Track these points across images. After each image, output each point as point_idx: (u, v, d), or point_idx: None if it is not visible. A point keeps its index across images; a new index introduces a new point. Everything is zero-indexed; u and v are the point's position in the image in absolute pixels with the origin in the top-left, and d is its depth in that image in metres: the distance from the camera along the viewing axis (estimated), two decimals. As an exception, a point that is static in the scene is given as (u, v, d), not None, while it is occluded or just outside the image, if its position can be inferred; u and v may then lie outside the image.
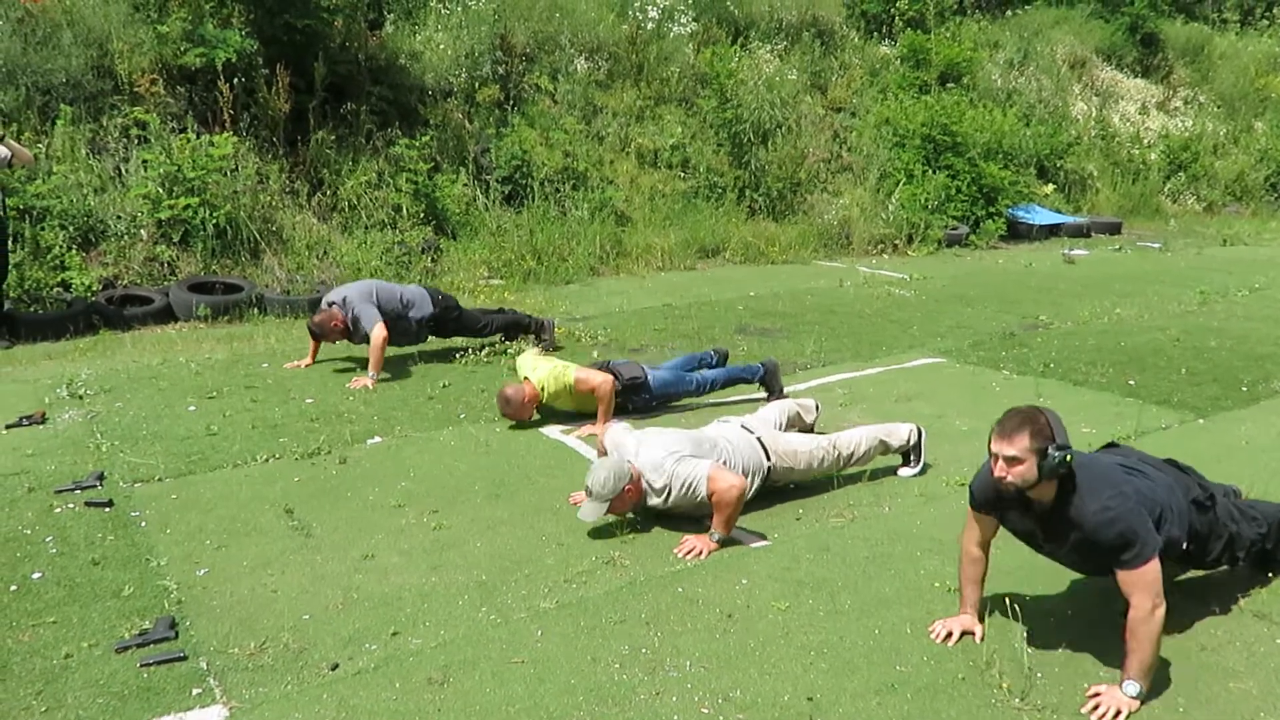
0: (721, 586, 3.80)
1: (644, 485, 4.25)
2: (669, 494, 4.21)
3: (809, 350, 7.49)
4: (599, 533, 4.28)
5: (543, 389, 5.62)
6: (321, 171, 10.35)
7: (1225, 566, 3.62)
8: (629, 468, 4.21)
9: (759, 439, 4.58)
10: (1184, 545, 3.29)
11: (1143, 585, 2.98)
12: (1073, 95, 18.85)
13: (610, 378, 5.60)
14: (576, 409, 5.80)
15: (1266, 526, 3.66)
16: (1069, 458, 3.02)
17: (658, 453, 4.27)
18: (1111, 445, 3.79)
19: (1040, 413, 3.07)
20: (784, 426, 4.95)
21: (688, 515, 4.34)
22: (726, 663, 3.27)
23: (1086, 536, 3.08)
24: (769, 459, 4.53)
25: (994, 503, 3.28)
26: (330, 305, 6.67)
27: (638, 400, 5.87)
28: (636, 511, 4.39)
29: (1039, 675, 3.19)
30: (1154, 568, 3.00)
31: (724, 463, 4.31)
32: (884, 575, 3.91)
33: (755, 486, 4.49)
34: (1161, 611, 2.97)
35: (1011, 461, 3.02)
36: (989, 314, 9.04)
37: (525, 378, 5.72)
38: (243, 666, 3.23)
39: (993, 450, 3.08)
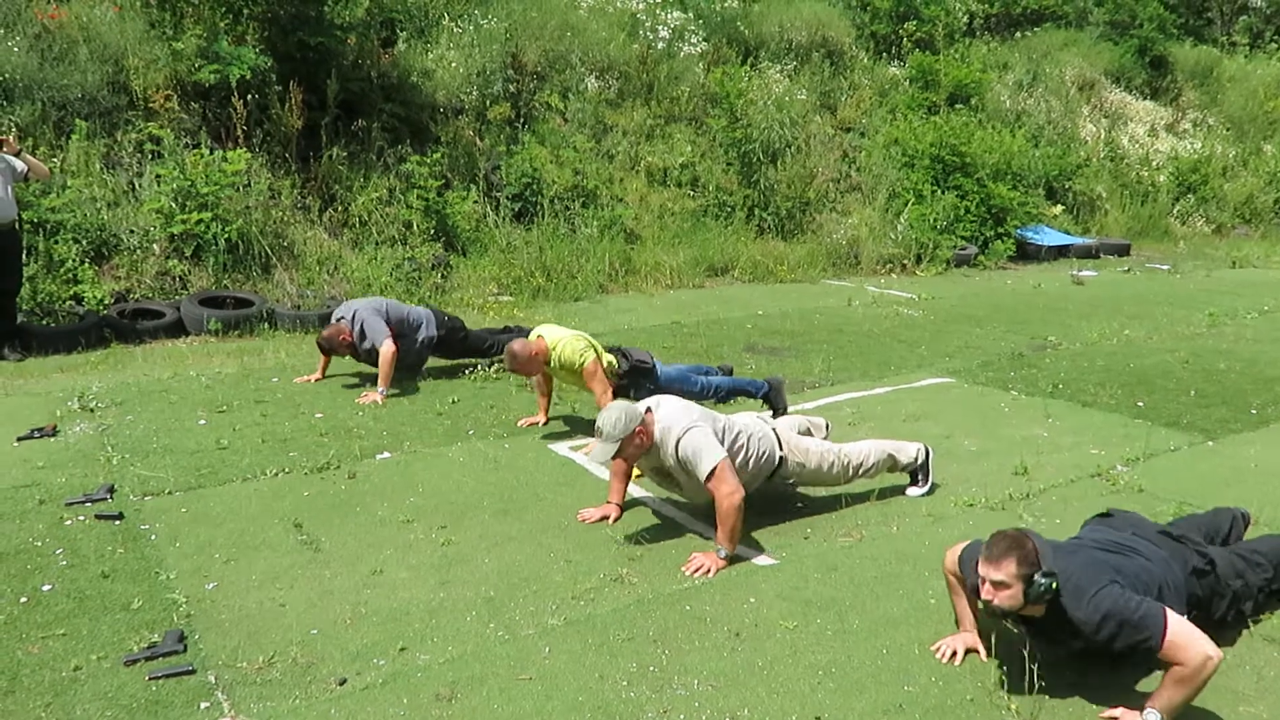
0: (729, 605, 3.80)
1: (657, 437, 4.17)
2: (677, 454, 4.13)
3: (817, 369, 7.50)
4: (607, 550, 4.28)
5: (554, 349, 5.61)
6: (333, 187, 10.42)
7: (1233, 623, 3.56)
8: (642, 414, 4.17)
9: (774, 429, 4.58)
10: (1185, 617, 3.27)
11: (1183, 646, 2.90)
12: (1082, 117, 18.88)
13: (610, 392, 5.62)
14: (574, 387, 5.87)
15: (1272, 570, 3.64)
16: (1054, 585, 3.01)
17: (676, 412, 4.22)
18: (1106, 515, 3.78)
19: (1027, 538, 3.07)
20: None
21: (691, 497, 4.33)
22: (734, 681, 3.26)
23: (1090, 643, 3.06)
24: (782, 449, 4.51)
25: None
26: (339, 320, 6.71)
27: (642, 389, 5.87)
28: (643, 530, 4.39)
29: (1048, 697, 3.18)
30: (1176, 626, 2.92)
31: (739, 443, 4.26)
32: (892, 595, 3.90)
33: (766, 474, 4.46)
34: (1214, 663, 2.87)
35: (999, 586, 3.03)
36: (997, 334, 9.04)
37: (539, 335, 5.71)
38: (251, 681, 3.24)
39: (979, 572, 3.08)
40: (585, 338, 5.76)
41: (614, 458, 4.16)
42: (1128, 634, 2.96)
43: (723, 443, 4.18)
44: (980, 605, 3.18)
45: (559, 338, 5.65)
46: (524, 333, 7.41)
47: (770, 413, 6.11)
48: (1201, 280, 12.98)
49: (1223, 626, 3.49)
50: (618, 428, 4.05)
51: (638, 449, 4.17)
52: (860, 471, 4.75)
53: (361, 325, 6.61)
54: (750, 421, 4.53)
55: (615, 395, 5.68)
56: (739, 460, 4.25)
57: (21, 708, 3.06)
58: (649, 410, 4.23)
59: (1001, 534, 3.10)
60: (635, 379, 5.87)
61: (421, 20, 13.09)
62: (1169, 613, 2.97)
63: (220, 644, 3.45)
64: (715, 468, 4.04)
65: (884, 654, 3.45)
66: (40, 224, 8.37)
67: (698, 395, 6.10)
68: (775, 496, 4.71)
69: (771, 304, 10.33)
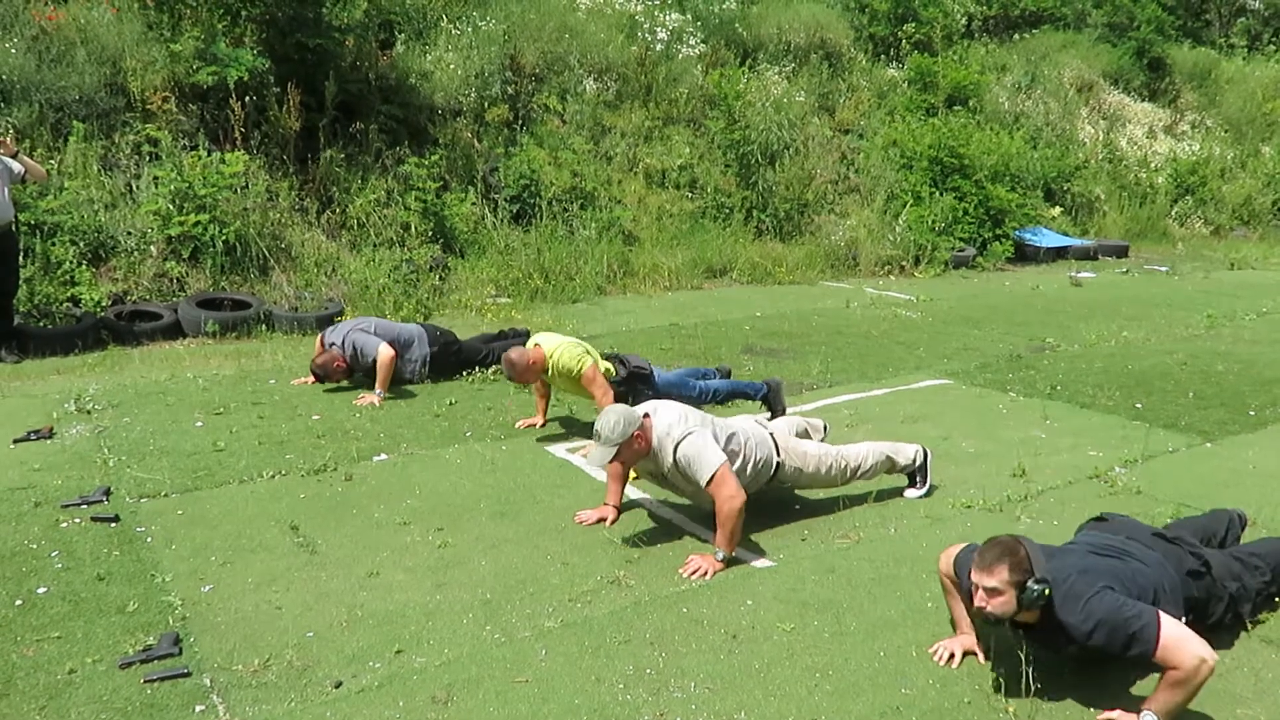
0: (726, 607, 3.79)
1: (655, 442, 4.17)
2: (675, 459, 4.13)
3: (815, 371, 7.49)
4: (604, 552, 4.27)
5: (551, 357, 5.60)
6: (331, 189, 10.41)
7: (1230, 625, 3.55)
8: (640, 418, 4.16)
9: (771, 434, 4.57)
10: (1181, 620, 3.26)
11: (1176, 650, 2.90)
12: (1080, 118, 18.89)
13: (610, 394, 5.61)
14: (573, 394, 5.85)
15: (1270, 573, 3.63)
16: (1047, 591, 3.01)
17: (674, 417, 4.21)
18: (1100, 519, 3.77)
19: (1019, 544, 3.06)
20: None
21: (690, 499, 4.33)
22: (731, 684, 3.26)
23: (1083, 648, 3.05)
24: (779, 454, 4.51)
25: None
26: (331, 347, 6.70)
27: (640, 395, 5.85)
28: (641, 532, 4.38)
29: (1045, 699, 3.17)
30: (1169, 630, 2.93)
31: (737, 448, 4.26)
32: (889, 597, 3.89)
33: (764, 479, 4.46)
34: (1209, 667, 2.88)
35: (991, 592, 3.03)
36: (996, 336, 9.04)
37: (536, 344, 5.71)
38: (246, 684, 3.23)
39: (972, 579, 3.07)
40: (582, 344, 5.76)
41: (612, 461, 4.15)
42: (1122, 639, 2.96)
43: (721, 447, 4.17)
44: (974, 612, 3.18)
45: (556, 345, 5.64)
46: (520, 336, 7.44)
47: (768, 415, 6.14)
48: (1200, 282, 12.98)
49: (1220, 629, 3.49)
50: (616, 431, 4.05)
51: (636, 453, 4.16)
52: (858, 474, 4.74)
53: (354, 346, 6.60)
54: (747, 426, 4.52)
55: (614, 401, 5.67)
56: (737, 465, 4.24)
57: (16, 711, 3.05)
58: (647, 415, 4.22)
59: (994, 541, 3.10)
60: (633, 385, 5.86)
61: (420, 22, 13.08)
62: (1163, 617, 2.96)
63: (216, 647, 3.44)
64: (716, 473, 4.04)
65: (881, 656, 3.45)
66: (37, 225, 8.36)
67: (696, 400, 6.09)
68: (773, 498, 4.71)
69: (770, 306, 10.33)
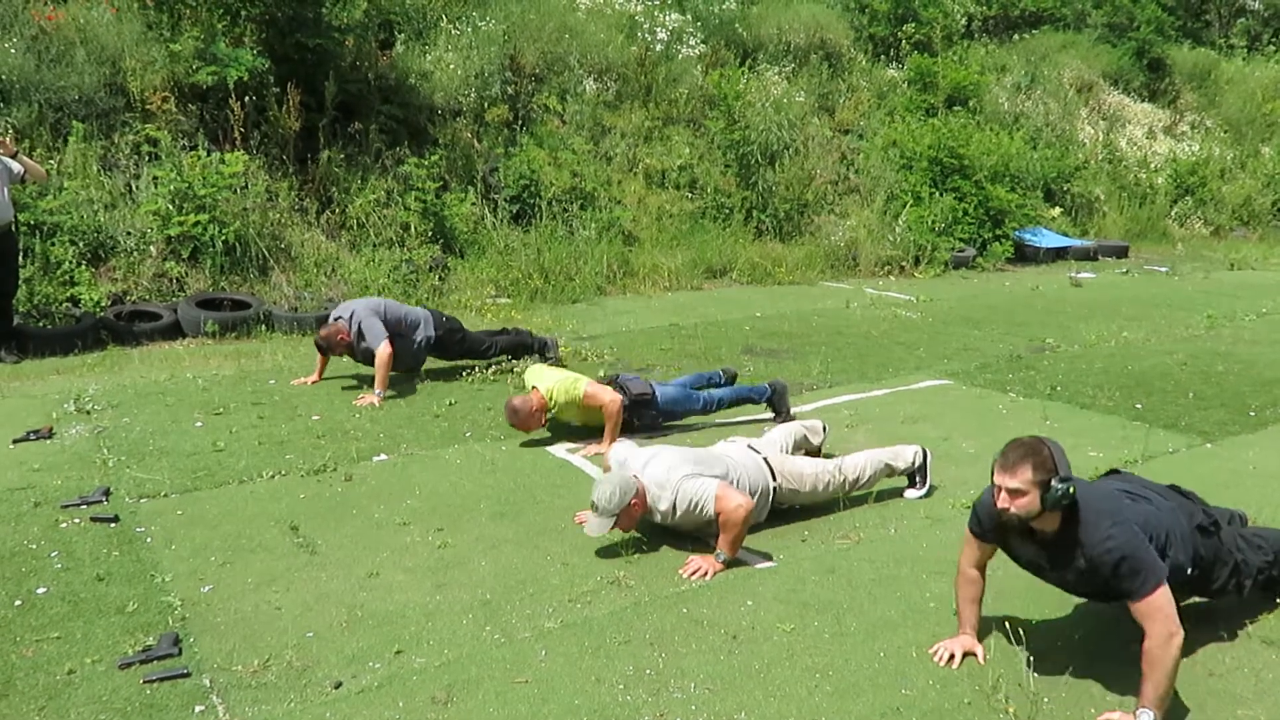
0: (726, 608, 3.79)
1: (650, 500, 4.23)
2: (674, 511, 4.19)
3: (815, 371, 7.49)
4: (604, 553, 4.27)
5: (551, 397, 5.59)
6: (330, 189, 10.40)
7: (1232, 595, 3.58)
8: (635, 482, 4.20)
9: (765, 459, 4.58)
10: (1188, 570, 3.28)
11: (1155, 613, 2.96)
12: (1080, 119, 18.88)
13: (619, 396, 5.61)
14: (583, 423, 5.80)
15: (1272, 554, 3.64)
16: (1071, 490, 3.01)
17: (665, 469, 4.25)
18: (1114, 472, 3.78)
19: (1043, 444, 3.06)
20: (790, 450, 4.94)
21: (693, 534, 4.33)
22: (731, 685, 3.25)
23: (1091, 566, 3.06)
24: (774, 479, 4.52)
25: (997, 530, 3.27)
26: (337, 320, 6.71)
27: (644, 417, 5.86)
28: (642, 529, 4.38)
29: (1045, 700, 3.17)
30: (1163, 594, 2.98)
31: (732, 481, 4.30)
32: (890, 598, 3.89)
33: (763, 507, 4.48)
34: (1179, 639, 2.94)
35: (1014, 493, 3.02)
36: (996, 336, 9.03)
37: (533, 387, 5.70)
38: (246, 684, 3.22)
39: (995, 482, 3.07)
40: (570, 374, 5.78)
41: (610, 529, 4.18)
42: (1127, 572, 2.98)
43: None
44: (997, 514, 3.16)
45: (551, 384, 5.63)
46: (521, 334, 7.47)
47: (773, 416, 6.14)
48: (1200, 282, 12.98)
49: (1222, 595, 3.52)
50: (613, 502, 4.09)
51: (633, 518, 4.21)
52: (857, 485, 4.78)
53: (359, 326, 6.60)
54: (737, 456, 4.54)
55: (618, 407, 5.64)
56: None
57: (15, 711, 3.05)
58: (636, 476, 4.26)
59: (1017, 441, 3.10)
60: (636, 411, 5.83)
61: (419, 22, 13.07)
62: (1164, 580, 3.00)
63: (216, 647, 3.44)
64: (717, 494, 4.08)
65: (881, 657, 3.44)
66: (37, 226, 8.36)
67: (701, 411, 6.08)
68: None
69: (770, 306, 10.32)
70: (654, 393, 5.87)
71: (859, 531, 4.53)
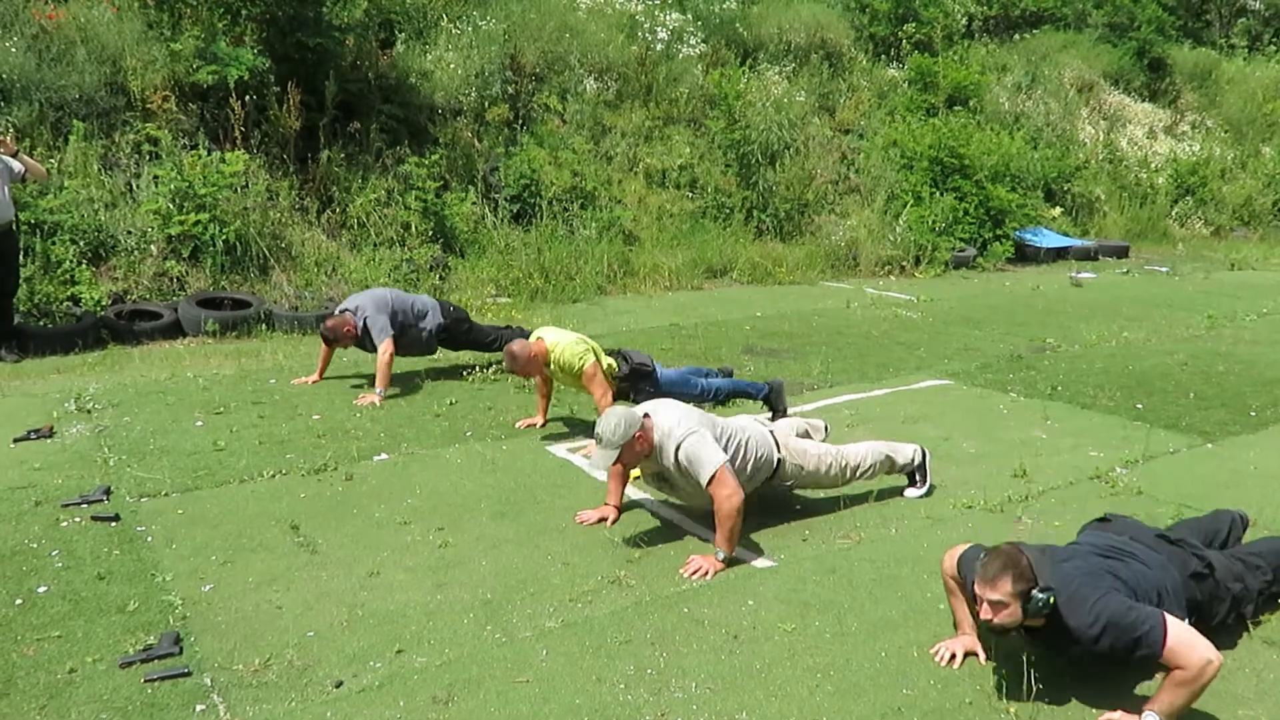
0: (727, 607, 3.79)
1: (656, 442, 4.17)
2: (673, 460, 4.14)
3: (815, 371, 7.49)
4: (605, 552, 4.27)
5: (553, 352, 5.61)
6: (331, 189, 10.40)
7: (1234, 625, 3.55)
8: (641, 418, 4.17)
9: (772, 431, 4.58)
10: (1185, 621, 3.26)
11: (1183, 651, 2.90)
12: (1080, 119, 18.88)
13: (610, 396, 5.62)
14: (574, 388, 5.91)
15: (1272, 573, 3.63)
16: (1052, 599, 3.00)
17: (675, 419, 4.21)
18: (1104, 519, 3.77)
19: (1021, 554, 3.05)
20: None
21: (689, 500, 4.32)
22: (732, 684, 3.25)
23: (1090, 650, 3.05)
24: (780, 451, 4.51)
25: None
26: (344, 312, 6.71)
27: (642, 392, 5.86)
28: (642, 530, 4.38)
29: (1046, 701, 3.17)
30: (1175, 634, 2.92)
31: (737, 446, 4.26)
32: (890, 598, 3.89)
33: (764, 477, 4.47)
34: (1214, 668, 2.87)
35: (996, 606, 3.01)
36: (996, 336, 9.03)
37: (539, 337, 5.72)
38: (247, 683, 3.22)
39: (976, 592, 3.06)
40: (585, 341, 5.75)
41: (614, 464, 4.15)
42: (1128, 641, 2.95)
43: (722, 447, 4.17)
44: (980, 624, 3.17)
45: (559, 340, 5.65)
46: (525, 333, 7.45)
47: (770, 415, 6.14)
48: (1200, 282, 12.98)
49: (1222, 630, 3.48)
50: (617, 434, 4.05)
51: (637, 455, 4.16)
52: (858, 473, 4.74)
53: (365, 321, 6.61)
54: (748, 424, 4.52)
55: (615, 398, 5.68)
56: (737, 464, 4.24)
57: (16, 710, 3.05)
58: (647, 415, 4.22)
59: (995, 552, 3.08)
60: (635, 382, 5.87)
61: (420, 21, 13.07)
62: (1168, 618, 2.96)
63: (216, 646, 3.44)
64: (715, 472, 4.04)
65: (882, 657, 3.44)
66: (37, 225, 8.35)
67: (697, 398, 6.10)
68: (773, 498, 4.71)
69: (770, 306, 10.32)
70: (655, 367, 5.93)
71: (860, 531, 4.53)
